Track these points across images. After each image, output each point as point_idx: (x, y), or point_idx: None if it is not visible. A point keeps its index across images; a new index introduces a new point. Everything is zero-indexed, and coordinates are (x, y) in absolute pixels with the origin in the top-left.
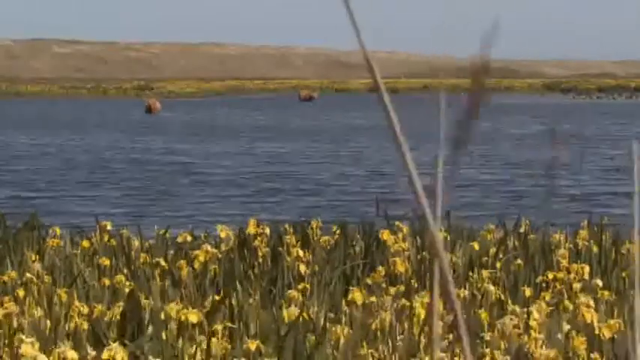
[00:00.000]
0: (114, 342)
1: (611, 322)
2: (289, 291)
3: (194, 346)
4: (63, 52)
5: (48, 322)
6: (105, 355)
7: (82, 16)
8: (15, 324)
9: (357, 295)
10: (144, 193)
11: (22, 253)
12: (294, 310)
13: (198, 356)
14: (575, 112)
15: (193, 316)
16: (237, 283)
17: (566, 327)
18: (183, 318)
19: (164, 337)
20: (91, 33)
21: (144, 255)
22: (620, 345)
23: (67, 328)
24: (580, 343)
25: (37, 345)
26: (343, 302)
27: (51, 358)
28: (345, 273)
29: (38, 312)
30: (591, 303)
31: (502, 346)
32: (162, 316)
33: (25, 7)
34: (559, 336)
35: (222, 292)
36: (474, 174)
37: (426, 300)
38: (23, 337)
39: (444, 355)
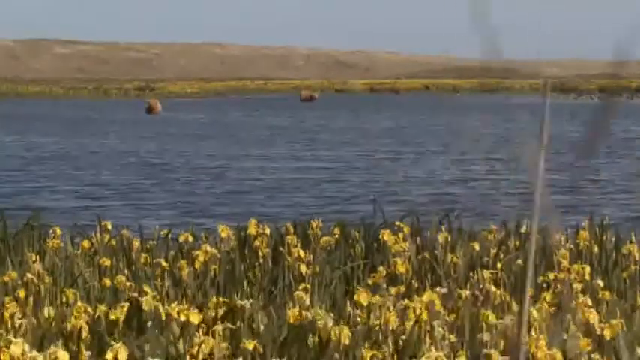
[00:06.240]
0: (116, 342)
1: (613, 322)
2: (296, 292)
3: (195, 347)
4: (64, 52)
5: (48, 322)
6: (108, 355)
7: (83, 16)
8: (16, 324)
9: (362, 296)
10: (173, 199)
11: (22, 253)
12: (296, 311)
13: (199, 356)
14: None
15: (194, 317)
16: (238, 283)
17: (573, 328)
18: (184, 318)
19: (164, 337)
20: (92, 33)
21: (144, 255)
22: (621, 345)
23: (67, 329)
24: (585, 344)
25: (25, 345)
26: (348, 303)
27: (41, 358)
28: (346, 273)
29: (38, 312)
30: (588, 301)
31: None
32: (164, 316)
33: (27, 7)
34: (564, 336)
35: (225, 293)
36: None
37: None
38: (12, 337)
39: (443, 354)
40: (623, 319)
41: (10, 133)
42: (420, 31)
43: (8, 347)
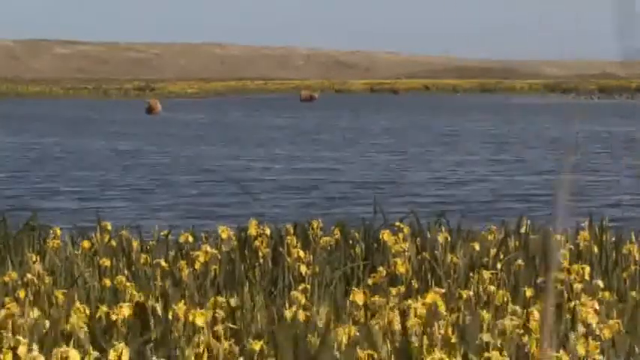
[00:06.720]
0: (118, 342)
1: (611, 322)
2: (293, 292)
3: (199, 347)
4: (64, 52)
5: (47, 322)
6: (111, 355)
7: (83, 16)
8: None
9: (358, 296)
10: (195, 202)
11: (22, 254)
12: (296, 311)
13: (204, 356)
14: None
15: (200, 318)
16: (239, 284)
17: (581, 329)
18: (191, 319)
19: (168, 337)
20: (92, 33)
21: (144, 256)
22: (620, 345)
23: (67, 329)
24: (593, 347)
25: (34, 345)
26: (348, 303)
27: (53, 358)
28: (346, 274)
29: (37, 313)
30: (596, 305)
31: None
32: (170, 316)
33: (27, 7)
34: (571, 337)
35: (225, 293)
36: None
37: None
38: (20, 338)
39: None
40: (622, 319)
41: (10, 133)
42: (420, 31)
43: (17, 348)
